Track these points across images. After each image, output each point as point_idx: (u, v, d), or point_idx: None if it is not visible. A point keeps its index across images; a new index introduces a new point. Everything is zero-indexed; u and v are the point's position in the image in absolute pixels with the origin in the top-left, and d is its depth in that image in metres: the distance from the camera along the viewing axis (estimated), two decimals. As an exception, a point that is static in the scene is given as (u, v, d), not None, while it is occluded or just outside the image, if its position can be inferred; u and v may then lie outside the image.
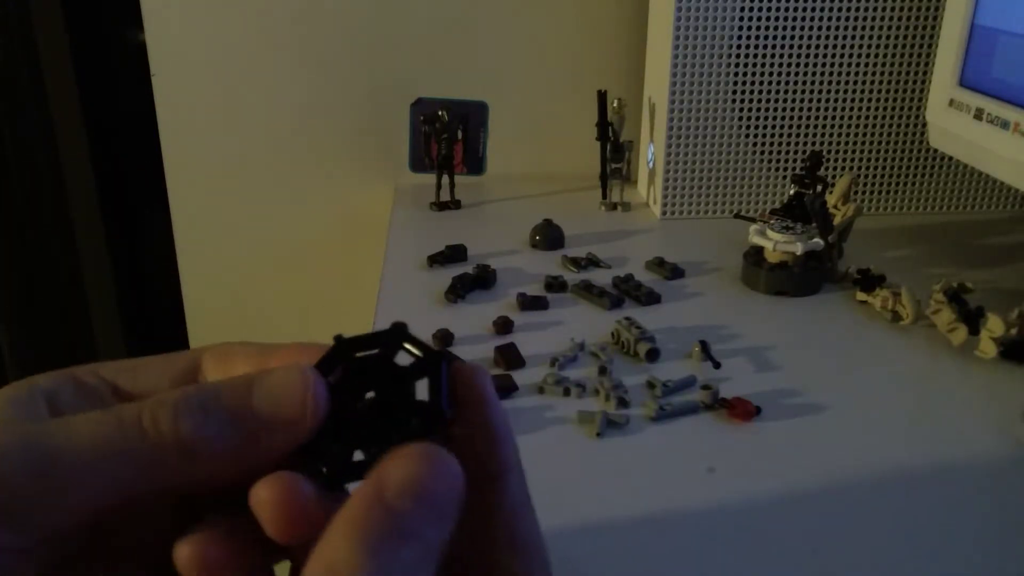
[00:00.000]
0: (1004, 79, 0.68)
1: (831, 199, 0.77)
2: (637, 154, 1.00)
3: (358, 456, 0.24)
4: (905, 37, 0.87)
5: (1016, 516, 0.47)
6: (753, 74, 0.88)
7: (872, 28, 0.87)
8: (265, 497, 0.23)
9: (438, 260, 0.80)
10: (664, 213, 0.92)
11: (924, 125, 0.89)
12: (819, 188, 0.74)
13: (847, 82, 0.89)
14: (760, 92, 0.88)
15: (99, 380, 0.27)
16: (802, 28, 0.86)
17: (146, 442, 0.23)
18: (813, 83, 0.88)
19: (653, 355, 0.62)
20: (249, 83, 1.04)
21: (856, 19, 0.86)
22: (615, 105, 0.92)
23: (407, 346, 0.25)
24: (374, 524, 0.21)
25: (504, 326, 0.66)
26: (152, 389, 0.27)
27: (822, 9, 0.85)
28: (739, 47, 0.86)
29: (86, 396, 0.26)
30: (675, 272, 0.77)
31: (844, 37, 0.87)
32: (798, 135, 0.90)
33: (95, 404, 0.26)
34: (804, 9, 0.85)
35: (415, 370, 0.25)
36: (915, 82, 0.89)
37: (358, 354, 0.25)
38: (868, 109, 0.90)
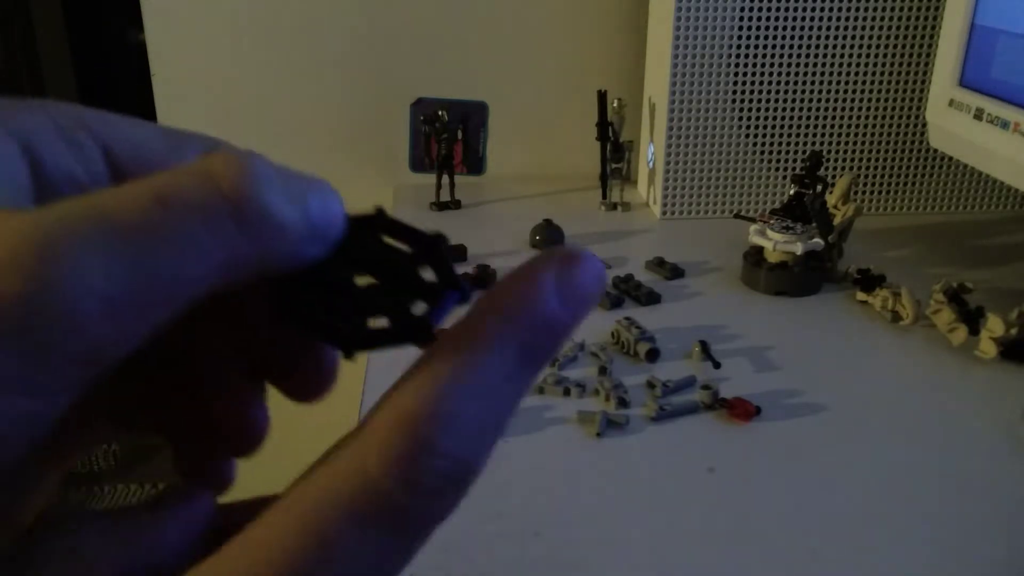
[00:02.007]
0: (1004, 79, 0.68)
1: (831, 199, 0.77)
2: (637, 154, 1.00)
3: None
4: (905, 37, 0.87)
5: (1016, 516, 0.47)
6: (753, 74, 0.88)
7: (872, 28, 0.87)
8: None
9: (438, 260, 0.79)
10: (664, 213, 0.92)
11: (924, 125, 0.89)
12: (819, 188, 0.74)
13: (847, 82, 0.89)
14: (760, 92, 0.88)
15: (87, 134, 0.20)
16: (802, 28, 0.86)
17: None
18: (813, 83, 0.88)
19: (653, 355, 0.62)
20: (249, 83, 1.04)
21: (856, 19, 0.86)
22: (615, 105, 0.92)
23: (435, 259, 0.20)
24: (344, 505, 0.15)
25: (504, 326, 0.66)
26: (156, 164, 0.20)
27: (822, 9, 0.85)
28: (739, 47, 0.86)
29: (75, 155, 0.19)
30: (675, 272, 0.77)
31: (844, 37, 0.87)
32: (798, 135, 0.90)
33: (87, 167, 0.20)
34: (804, 9, 0.85)
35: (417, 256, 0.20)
36: (915, 82, 0.89)
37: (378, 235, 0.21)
38: (868, 109, 0.90)
